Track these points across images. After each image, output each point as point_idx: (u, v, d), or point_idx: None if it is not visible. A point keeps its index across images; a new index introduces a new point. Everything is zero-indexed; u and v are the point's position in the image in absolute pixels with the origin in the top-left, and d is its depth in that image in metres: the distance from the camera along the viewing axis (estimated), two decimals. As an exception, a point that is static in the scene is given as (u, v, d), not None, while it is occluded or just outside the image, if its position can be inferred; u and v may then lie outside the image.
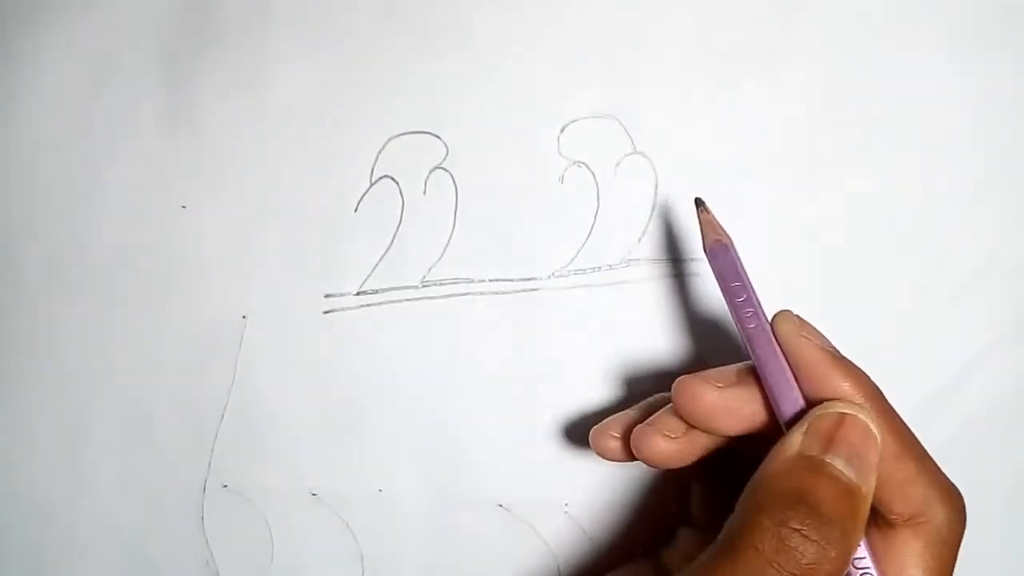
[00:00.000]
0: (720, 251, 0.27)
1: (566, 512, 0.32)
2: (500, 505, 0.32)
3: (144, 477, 0.33)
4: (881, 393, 0.25)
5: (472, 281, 0.32)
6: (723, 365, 0.32)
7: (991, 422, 0.33)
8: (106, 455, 0.33)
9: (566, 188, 0.32)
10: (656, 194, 0.32)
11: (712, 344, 0.32)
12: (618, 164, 0.32)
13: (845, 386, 0.24)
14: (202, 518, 0.33)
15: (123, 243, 0.32)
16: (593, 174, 0.32)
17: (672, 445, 0.26)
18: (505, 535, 0.32)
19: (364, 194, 0.32)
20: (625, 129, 0.32)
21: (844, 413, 0.24)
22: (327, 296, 0.32)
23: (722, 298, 0.26)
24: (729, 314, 0.26)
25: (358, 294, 0.32)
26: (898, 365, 0.33)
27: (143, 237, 0.32)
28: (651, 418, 0.27)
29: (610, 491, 0.32)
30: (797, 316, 0.26)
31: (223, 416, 0.32)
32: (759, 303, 0.26)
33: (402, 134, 0.32)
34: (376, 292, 0.32)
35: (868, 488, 0.23)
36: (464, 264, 0.32)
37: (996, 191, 0.32)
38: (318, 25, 0.32)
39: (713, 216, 0.28)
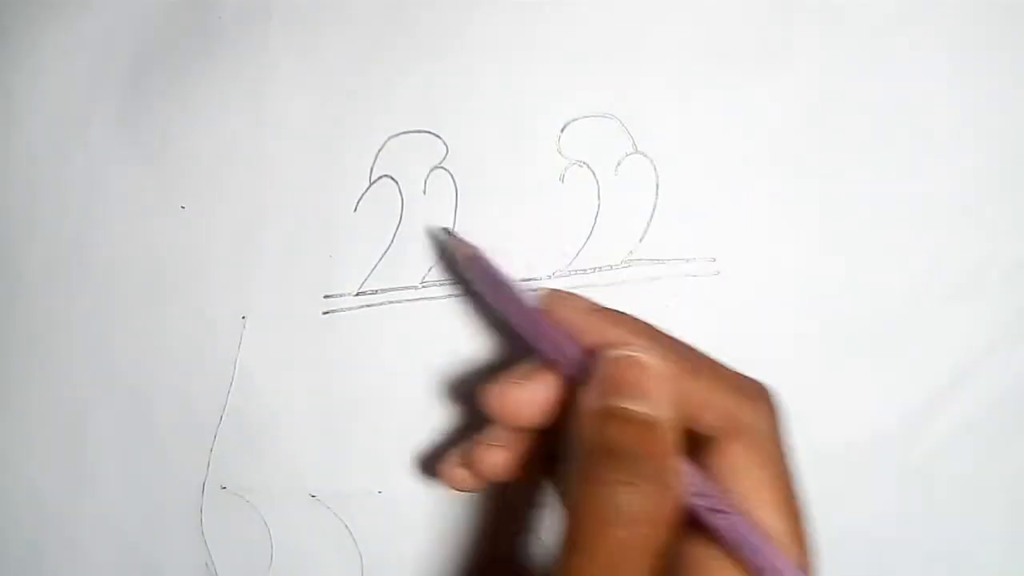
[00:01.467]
0: (475, 262, 0.29)
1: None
2: (500, 506, 0.32)
3: (143, 478, 0.33)
4: (655, 328, 0.26)
5: (472, 282, 0.32)
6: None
7: (991, 422, 0.33)
8: (105, 456, 0.33)
9: (566, 188, 0.32)
10: (657, 194, 0.32)
11: (712, 344, 0.32)
12: (619, 164, 0.32)
13: (617, 332, 0.25)
14: (201, 519, 0.32)
15: (122, 243, 0.32)
16: (594, 174, 0.32)
17: (505, 454, 0.27)
18: (505, 536, 0.32)
19: (363, 194, 0.32)
20: (626, 129, 0.32)
21: (616, 356, 0.24)
22: (327, 296, 0.32)
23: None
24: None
25: (358, 294, 0.32)
26: (897, 366, 0.33)
27: (142, 237, 0.32)
28: (479, 435, 0.28)
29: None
30: (557, 290, 0.27)
31: (222, 417, 0.32)
32: (521, 293, 0.27)
33: (402, 133, 0.32)
34: (376, 292, 0.32)
35: (664, 415, 0.23)
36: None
37: (996, 191, 0.32)
38: (318, 24, 0.32)
39: (457, 236, 0.30)
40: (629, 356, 0.24)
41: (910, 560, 0.33)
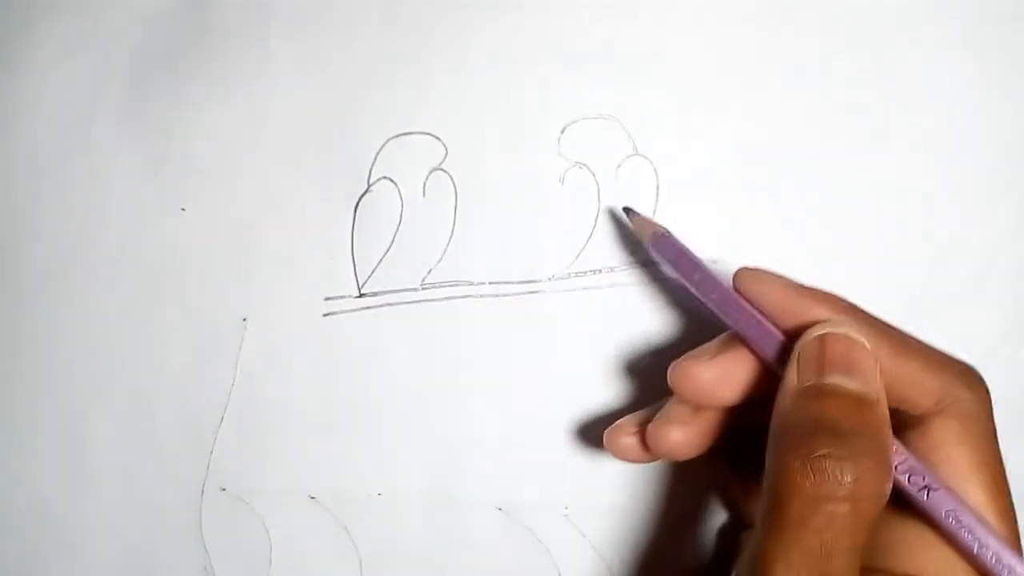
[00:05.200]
0: (662, 241, 0.29)
1: (566, 516, 0.32)
2: (499, 509, 0.32)
3: (143, 479, 0.33)
4: (858, 307, 0.25)
5: (472, 283, 0.32)
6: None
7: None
8: (105, 457, 0.33)
9: (567, 189, 0.32)
10: (657, 196, 0.32)
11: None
12: (619, 166, 0.32)
13: (819, 310, 0.25)
14: (200, 521, 0.33)
15: (123, 245, 0.33)
16: (594, 176, 0.32)
17: (685, 432, 0.27)
18: (504, 539, 0.32)
19: (363, 195, 0.32)
20: (626, 130, 0.32)
21: (824, 334, 0.24)
22: (327, 298, 0.32)
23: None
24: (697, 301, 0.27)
25: (358, 296, 0.32)
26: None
27: (143, 240, 0.33)
28: (661, 411, 0.27)
29: (611, 494, 0.32)
30: (751, 267, 0.27)
31: (223, 419, 0.32)
32: (714, 274, 0.27)
33: (401, 135, 0.32)
34: (376, 294, 0.32)
35: (875, 392, 0.23)
36: (464, 266, 0.32)
37: (996, 192, 0.32)
38: (318, 25, 0.32)
39: (643, 216, 0.30)
40: (835, 333, 0.24)
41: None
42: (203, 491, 0.33)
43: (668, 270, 0.28)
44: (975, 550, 0.23)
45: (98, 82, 0.33)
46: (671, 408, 0.27)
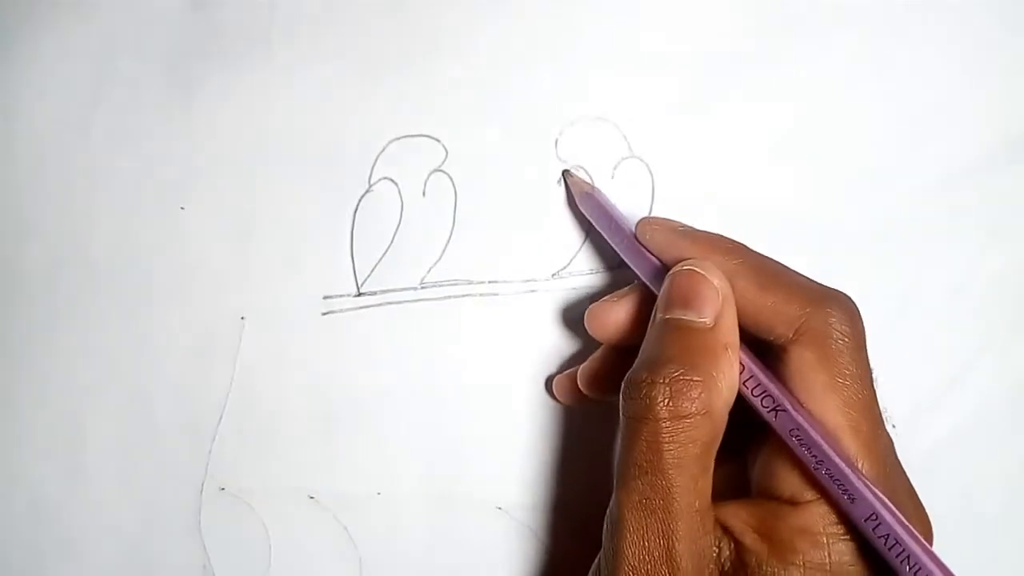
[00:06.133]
0: (587, 199, 0.31)
1: (565, 515, 0.32)
2: (499, 508, 0.32)
3: (142, 479, 0.32)
4: (736, 244, 0.27)
5: (471, 283, 0.32)
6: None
7: (986, 423, 0.33)
8: (104, 457, 0.32)
9: (564, 190, 0.32)
10: (653, 197, 0.32)
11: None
12: (615, 167, 0.32)
13: (691, 251, 0.26)
14: (199, 521, 0.32)
15: (122, 244, 0.32)
16: (591, 177, 0.32)
17: (603, 366, 0.29)
18: (504, 538, 0.32)
19: (363, 195, 0.32)
20: (622, 133, 0.32)
21: (673, 271, 0.26)
22: (326, 297, 0.32)
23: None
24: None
25: (357, 295, 0.32)
26: (892, 367, 0.33)
27: (142, 238, 0.32)
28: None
29: (611, 493, 0.32)
30: (652, 216, 0.29)
31: (221, 418, 0.32)
32: (623, 225, 0.29)
33: (402, 136, 0.32)
34: (375, 293, 0.32)
35: (710, 320, 0.25)
36: (463, 266, 0.32)
37: (989, 191, 0.32)
38: (320, 27, 0.32)
39: (576, 176, 0.32)
40: (680, 271, 0.26)
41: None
42: (202, 491, 0.32)
43: (593, 221, 0.31)
44: (812, 466, 0.24)
45: (99, 82, 0.33)
46: (597, 351, 0.30)
